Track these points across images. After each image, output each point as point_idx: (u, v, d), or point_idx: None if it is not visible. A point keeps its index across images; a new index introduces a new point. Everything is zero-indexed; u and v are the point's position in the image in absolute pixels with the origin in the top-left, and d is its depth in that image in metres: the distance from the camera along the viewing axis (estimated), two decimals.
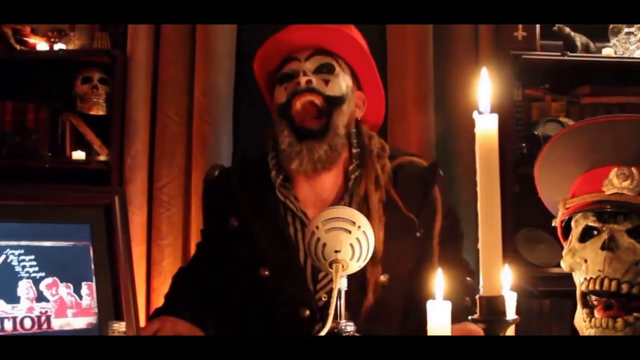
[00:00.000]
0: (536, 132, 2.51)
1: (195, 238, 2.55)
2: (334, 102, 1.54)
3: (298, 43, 1.57)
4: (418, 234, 1.54)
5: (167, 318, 1.54)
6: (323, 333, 1.14)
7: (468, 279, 1.57)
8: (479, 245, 0.79)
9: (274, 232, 1.55)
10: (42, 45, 2.70)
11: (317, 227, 1.19)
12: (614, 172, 1.14)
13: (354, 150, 1.59)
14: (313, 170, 1.53)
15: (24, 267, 1.61)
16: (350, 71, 1.62)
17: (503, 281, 0.87)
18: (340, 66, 1.59)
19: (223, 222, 1.60)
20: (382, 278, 1.50)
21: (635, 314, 1.09)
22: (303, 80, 1.53)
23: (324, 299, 1.50)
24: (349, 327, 1.15)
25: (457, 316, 1.09)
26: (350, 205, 1.52)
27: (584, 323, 1.14)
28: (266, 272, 1.52)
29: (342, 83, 1.57)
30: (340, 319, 1.15)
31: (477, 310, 0.79)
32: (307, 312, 1.49)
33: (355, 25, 1.67)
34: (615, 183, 1.14)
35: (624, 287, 1.09)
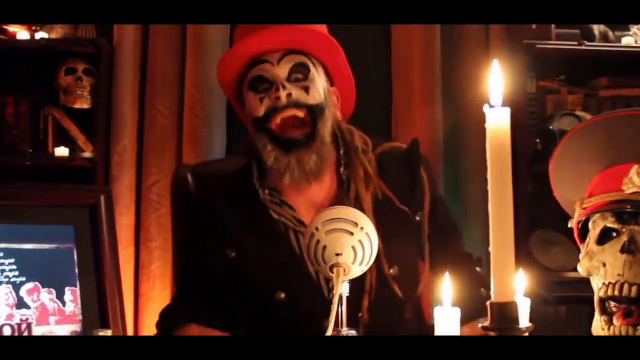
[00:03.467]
0: (551, 127, 2.51)
1: None
2: (317, 111, 1.55)
3: (265, 48, 1.57)
4: (417, 218, 1.60)
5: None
6: None
7: (477, 269, 1.63)
8: (490, 248, 0.79)
9: (279, 253, 1.55)
10: (22, 34, 2.70)
11: (316, 229, 1.19)
12: (634, 169, 1.14)
13: (341, 151, 1.62)
14: (306, 182, 1.55)
15: (2, 271, 1.62)
16: (323, 67, 1.62)
17: (516, 286, 0.87)
18: (314, 65, 1.59)
19: (217, 253, 1.57)
20: (392, 271, 1.53)
21: None
22: (283, 94, 1.52)
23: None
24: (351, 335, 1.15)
25: (475, 310, 1.13)
26: None
27: (602, 331, 1.14)
28: (282, 295, 1.51)
29: (320, 87, 1.58)
30: (341, 327, 1.16)
31: (489, 317, 0.79)
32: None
33: (359, 25, 1.70)
34: (635, 181, 1.13)
35: None
